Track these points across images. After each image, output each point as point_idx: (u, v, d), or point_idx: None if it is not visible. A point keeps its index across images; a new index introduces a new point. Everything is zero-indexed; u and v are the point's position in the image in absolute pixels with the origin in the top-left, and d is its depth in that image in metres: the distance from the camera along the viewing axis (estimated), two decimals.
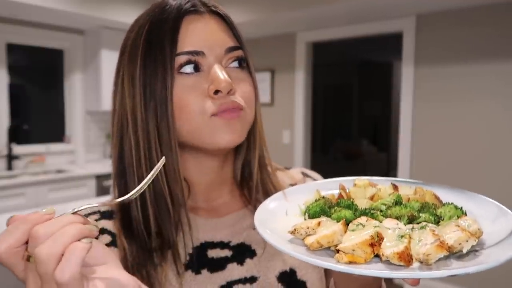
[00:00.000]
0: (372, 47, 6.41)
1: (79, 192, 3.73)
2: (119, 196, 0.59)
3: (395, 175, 3.69)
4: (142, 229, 0.58)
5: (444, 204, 0.51)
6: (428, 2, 3.02)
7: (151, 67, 0.56)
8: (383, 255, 0.42)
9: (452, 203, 0.51)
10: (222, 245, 0.63)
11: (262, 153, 0.68)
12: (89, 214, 0.62)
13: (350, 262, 0.42)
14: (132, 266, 0.56)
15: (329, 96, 7.81)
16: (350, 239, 0.44)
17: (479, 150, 3.08)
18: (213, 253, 0.62)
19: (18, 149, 3.90)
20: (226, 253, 0.62)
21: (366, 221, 0.47)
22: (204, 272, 0.60)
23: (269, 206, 0.56)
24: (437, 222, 0.48)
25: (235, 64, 0.60)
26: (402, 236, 0.43)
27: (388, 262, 0.42)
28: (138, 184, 0.53)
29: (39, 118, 4.35)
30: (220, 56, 0.58)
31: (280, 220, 0.54)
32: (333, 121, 8.08)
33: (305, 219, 0.52)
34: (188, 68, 0.56)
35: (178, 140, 0.58)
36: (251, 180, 0.68)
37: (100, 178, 3.90)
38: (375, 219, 0.48)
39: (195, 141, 0.59)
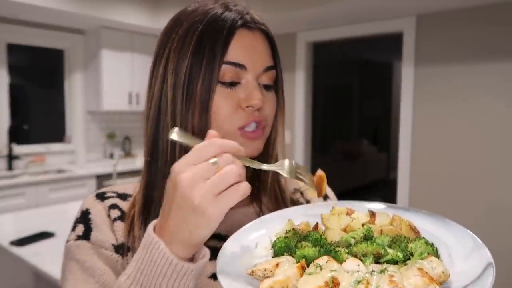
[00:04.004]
0: (372, 47, 6.41)
1: (79, 192, 3.73)
2: (149, 178, 0.66)
3: (395, 175, 3.69)
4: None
5: (416, 238, 0.50)
6: (428, 2, 3.02)
7: (197, 68, 0.60)
8: None
9: (423, 238, 0.50)
10: (220, 237, 0.66)
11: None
12: (108, 192, 0.70)
13: None
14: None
15: (329, 96, 7.81)
16: (305, 284, 0.43)
17: (479, 150, 3.08)
18: (210, 243, 0.64)
19: (18, 149, 3.90)
20: (222, 245, 0.64)
21: (326, 262, 0.46)
22: None
23: (240, 237, 0.56)
24: (407, 259, 0.47)
25: (268, 82, 0.65)
26: (359, 282, 0.42)
27: None
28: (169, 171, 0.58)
29: (39, 118, 4.35)
30: (258, 73, 0.63)
31: (248, 254, 0.53)
32: (333, 121, 8.08)
33: (272, 255, 0.52)
34: (229, 79, 0.61)
35: None
36: (261, 184, 0.72)
37: (100, 178, 3.90)
38: (338, 259, 0.47)
39: None
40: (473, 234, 0.50)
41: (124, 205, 0.68)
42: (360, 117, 8.48)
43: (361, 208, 0.60)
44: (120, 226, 0.65)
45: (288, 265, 0.47)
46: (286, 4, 3.38)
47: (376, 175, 8.00)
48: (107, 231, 0.64)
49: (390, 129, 8.20)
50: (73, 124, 4.42)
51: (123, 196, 0.69)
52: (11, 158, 3.80)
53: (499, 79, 2.98)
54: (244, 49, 0.62)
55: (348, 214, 0.58)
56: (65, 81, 4.40)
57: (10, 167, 3.79)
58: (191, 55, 0.61)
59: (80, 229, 0.64)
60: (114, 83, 4.15)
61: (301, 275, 0.45)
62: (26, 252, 1.78)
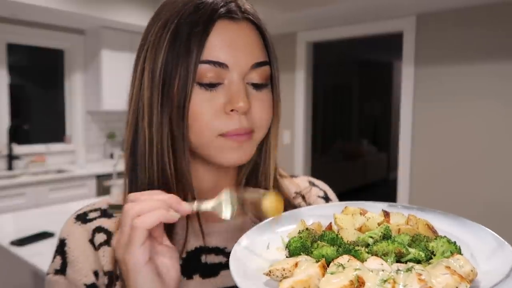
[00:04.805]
0: (372, 47, 6.42)
1: (79, 192, 3.73)
2: (130, 189, 0.59)
3: (395, 175, 3.69)
4: None
5: (436, 237, 0.48)
6: (428, 2, 3.02)
7: (173, 67, 0.53)
8: None
9: (445, 237, 0.47)
10: (217, 250, 0.62)
11: (274, 166, 0.67)
12: (91, 211, 0.63)
13: None
14: None
15: (329, 96, 7.81)
16: (328, 284, 0.41)
17: (479, 150, 3.08)
18: (207, 259, 0.61)
19: (18, 149, 3.90)
20: (221, 259, 0.61)
21: (348, 261, 0.44)
22: (196, 277, 0.60)
23: (250, 237, 0.53)
24: (429, 258, 0.46)
25: (259, 81, 0.57)
26: (385, 281, 0.40)
27: None
28: (149, 181, 0.57)
29: (39, 118, 4.35)
30: (244, 71, 0.55)
31: (260, 255, 0.51)
32: (333, 121, 8.08)
33: (286, 256, 0.50)
34: (208, 80, 0.54)
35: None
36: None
37: (100, 178, 3.90)
38: (359, 258, 0.45)
39: (202, 154, 0.58)
40: (494, 233, 0.48)
41: (110, 224, 0.61)
42: (360, 117, 8.48)
43: (373, 208, 0.58)
44: (107, 251, 0.58)
45: (307, 265, 0.45)
46: (286, 4, 3.38)
47: (376, 175, 8.00)
48: (82, 267, 0.58)
49: (390, 129, 8.21)
50: (73, 124, 4.42)
51: (108, 213, 0.62)
52: (11, 158, 3.80)
53: (499, 79, 2.98)
54: (225, 44, 0.53)
55: (361, 214, 0.56)
56: (65, 81, 4.40)
57: (10, 167, 3.79)
58: (166, 53, 0.53)
59: (58, 262, 0.60)
60: (114, 83, 4.14)
61: (323, 275, 0.43)
62: (26, 252, 1.78)
